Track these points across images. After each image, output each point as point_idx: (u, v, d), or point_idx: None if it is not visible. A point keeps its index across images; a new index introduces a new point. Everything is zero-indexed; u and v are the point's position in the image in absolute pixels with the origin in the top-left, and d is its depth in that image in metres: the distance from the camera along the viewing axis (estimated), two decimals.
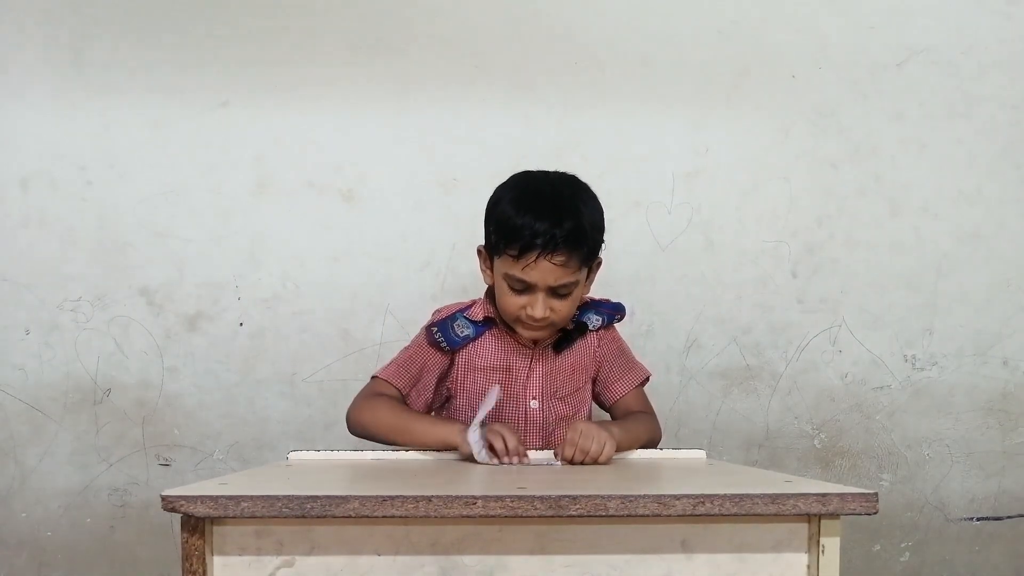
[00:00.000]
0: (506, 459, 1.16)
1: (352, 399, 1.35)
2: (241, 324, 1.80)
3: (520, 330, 1.33)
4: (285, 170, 1.80)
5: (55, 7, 1.77)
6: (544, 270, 1.23)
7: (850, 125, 1.84)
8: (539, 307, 1.26)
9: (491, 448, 1.17)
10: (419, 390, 1.36)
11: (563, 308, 1.29)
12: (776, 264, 1.84)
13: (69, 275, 1.78)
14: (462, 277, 1.79)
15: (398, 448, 1.27)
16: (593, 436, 1.17)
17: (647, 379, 1.44)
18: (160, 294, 1.79)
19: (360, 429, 1.31)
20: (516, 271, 1.25)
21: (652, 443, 1.36)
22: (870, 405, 1.85)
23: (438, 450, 1.23)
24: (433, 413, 1.43)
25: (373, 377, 1.37)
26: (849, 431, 1.85)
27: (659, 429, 1.39)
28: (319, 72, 1.80)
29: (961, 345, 1.85)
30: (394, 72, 1.81)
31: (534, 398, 1.37)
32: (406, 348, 1.40)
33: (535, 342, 1.36)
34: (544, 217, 1.22)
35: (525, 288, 1.26)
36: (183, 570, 0.82)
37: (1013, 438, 1.87)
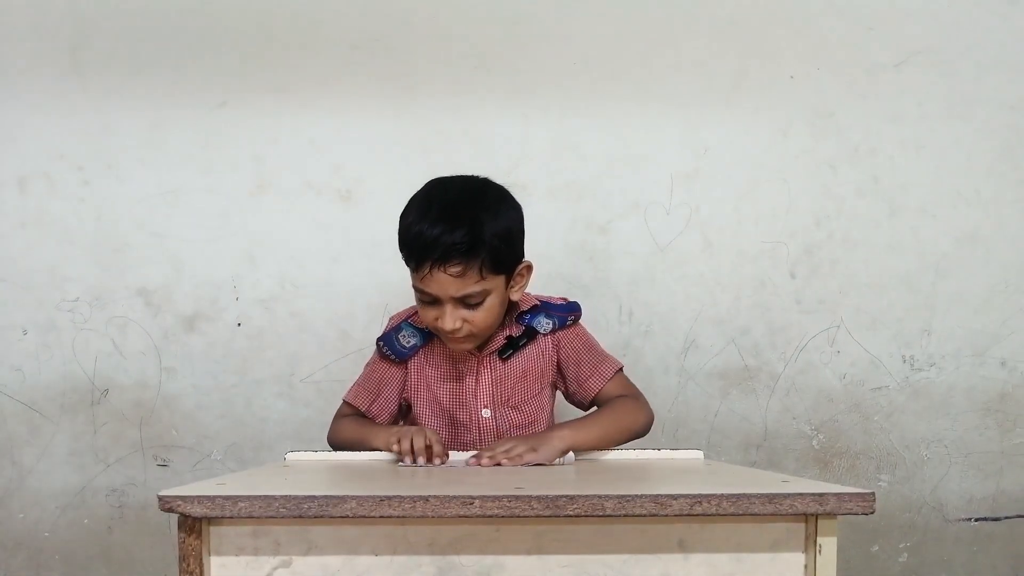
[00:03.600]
0: (408, 459, 1.16)
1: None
2: (239, 324, 1.80)
3: (446, 342, 1.31)
4: (283, 170, 1.80)
5: (53, 7, 1.77)
6: (441, 281, 1.20)
7: (848, 126, 1.84)
8: (447, 319, 1.23)
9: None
10: (380, 404, 1.38)
11: (478, 318, 1.25)
12: (774, 265, 1.84)
13: (67, 275, 1.78)
14: None
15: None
16: (512, 444, 1.16)
17: (620, 369, 1.40)
18: (158, 294, 1.79)
19: (336, 449, 1.37)
20: (417, 282, 1.23)
21: (638, 425, 1.31)
22: (868, 406, 1.85)
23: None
24: (401, 422, 1.44)
25: (343, 400, 1.42)
26: (847, 432, 1.85)
27: (645, 409, 1.35)
28: (318, 72, 1.80)
29: (959, 346, 1.86)
30: (393, 72, 1.81)
31: (485, 407, 1.35)
32: (367, 364, 1.43)
33: (479, 348, 1.34)
34: (436, 225, 1.19)
35: (432, 300, 1.24)
36: (180, 570, 0.82)
37: (1011, 439, 1.87)
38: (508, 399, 1.35)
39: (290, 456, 1.26)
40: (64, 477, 1.79)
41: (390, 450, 1.22)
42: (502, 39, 1.81)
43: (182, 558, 0.82)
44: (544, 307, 1.38)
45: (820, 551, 0.85)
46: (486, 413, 1.35)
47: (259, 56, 1.79)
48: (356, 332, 1.81)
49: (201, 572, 0.83)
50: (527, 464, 1.14)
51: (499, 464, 1.14)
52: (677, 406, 1.83)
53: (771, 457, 1.84)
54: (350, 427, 1.36)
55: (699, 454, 1.30)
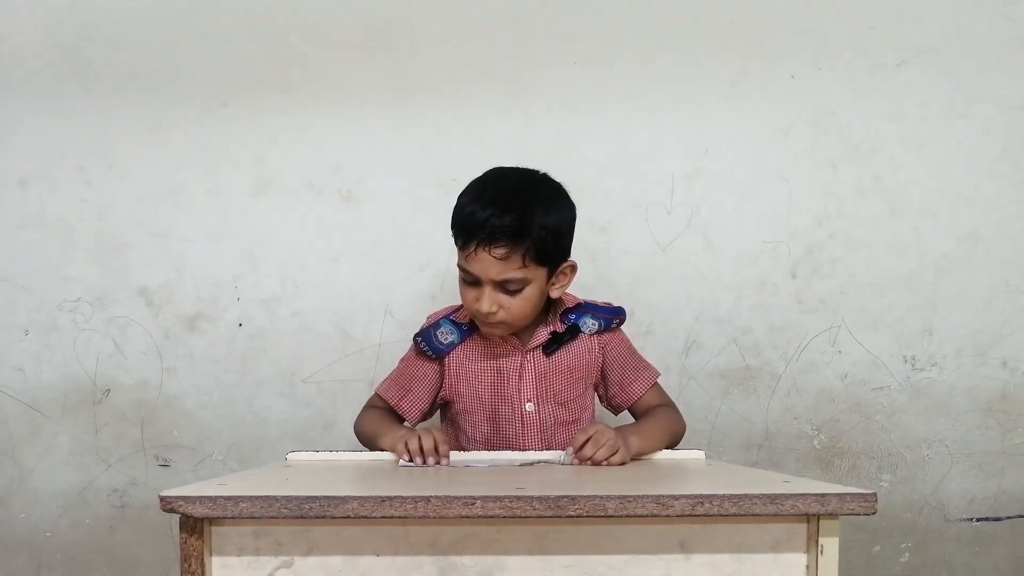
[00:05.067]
0: (418, 459, 1.17)
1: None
2: (240, 325, 1.80)
3: (480, 326, 1.34)
4: (284, 170, 1.80)
5: (55, 7, 1.77)
6: (484, 261, 1.23)
7: (849, 125, 1.84)
8: (484, 300, 1.26)
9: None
10: (411, 400, 1.39)
11: (514, 306, 1.27)
12: (775, 265, 1.84)
13: (68, 275, 1.78)
14: None
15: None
16: (602, 442, 1.17)
17: (658, 376, 1.45)
18: (159, 295, 1.79)
19: (357, 437, 1.40)
20: (462, 261, 1.27)
21: (676, 435, 1.37)
22: (869, 406, 1.85)
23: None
24: (444, 420, 1.46)
25: (375, 392, 1.44)
26: (848, 432, 1.85)
27: (682, 420, 1.40)
28: (319, 72, 1.80)
29: (960, 346, 1.85)
30: (394, 72, 1.80)
31: (529, 401, 1.36)
32: (401, 359, 1.44)
33: (523, 342, 1.36)
34: (488, 207, 1.22)
35: (474, 281, 1.27)
36: (182, 571, 0.82)
37: (1012, 438, 1.87)
38: (555, 394, 1.37)
39: (291, 456, 1.26)
40: (65, 477, 1.79)
41: (395, 452, 1.22)
42: (502, 39, 1.81)
43: (183, 558, 0.82)
44: (589, 308, 1.40)
45: (822, 551, 0.85)
46: (529, 407, 1.36)
47: (260, 56, 1.79)
48: (357, 332, 1.81)
49: (202, 572, 0.83)
50: (611, 464, 1.16)
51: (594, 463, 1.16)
52: (678, 406, 1.82)
53: (772, 457, 1.84)
54: (370, 420, 1.37)
55: (700, 454, 1.30)
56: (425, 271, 1.81)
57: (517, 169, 1.34)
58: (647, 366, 1.44)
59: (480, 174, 1.34)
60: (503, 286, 1.25)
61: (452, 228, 1.29)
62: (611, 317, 1.41)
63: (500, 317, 1.28)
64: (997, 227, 1.85)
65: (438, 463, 1.17)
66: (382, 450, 1.27)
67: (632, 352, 1.45)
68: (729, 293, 1.84)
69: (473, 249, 1.23)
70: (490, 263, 1.23)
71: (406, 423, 1.39)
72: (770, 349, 1.84)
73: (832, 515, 0.84)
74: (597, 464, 1.16)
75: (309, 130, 1.80)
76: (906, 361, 1.85)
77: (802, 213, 1.84)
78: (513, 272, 1.24)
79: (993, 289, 1.85)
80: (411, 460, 1.18)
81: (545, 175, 1.33)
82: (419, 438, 1.18)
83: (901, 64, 1.84)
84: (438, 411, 1.47)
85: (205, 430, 1.80)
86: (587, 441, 1.17)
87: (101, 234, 1.79)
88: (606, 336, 1.41)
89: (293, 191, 1.80)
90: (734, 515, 0.82)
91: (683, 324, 1.83)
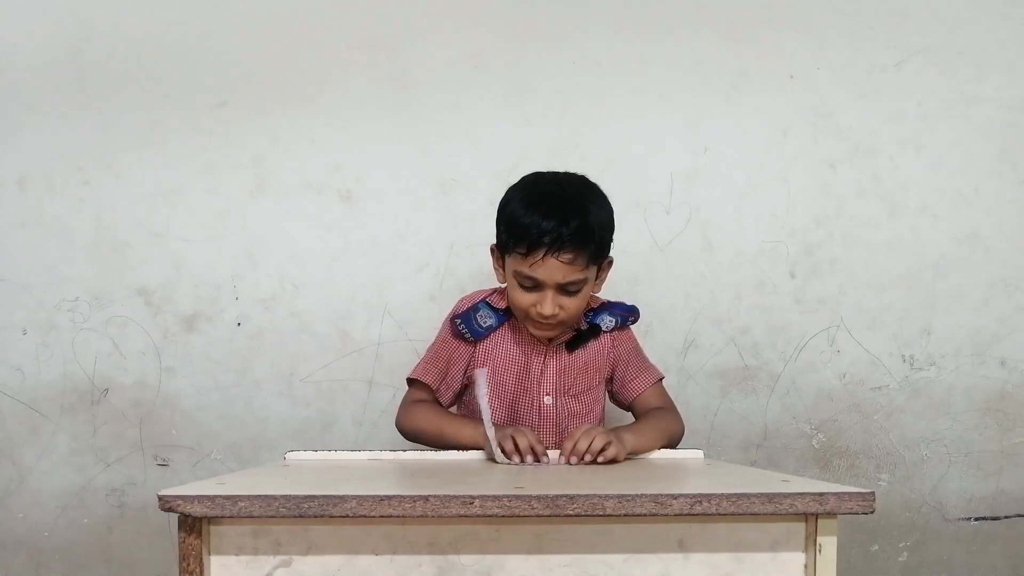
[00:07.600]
0: (515, 458, 1.16)
1: (397, 407, 1.41)
2: (239, 324, 1.80)
3: (531, 328, 1.36)
4: (283, 170, 1.80)
5: (54, 6, 1.77)
6: (552, 267, 1.26)
7: (848, 125, 1.84)
8: (548, 304, 1.29)
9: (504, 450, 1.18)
10: (448, 383, 1.40)
11: (572, 305, 1.31)
12: (774, 264, 1.84)
13: (66, 275, 1.78)
14: (460, 277, 1.79)
15: (402, 448, 1.29)
16: (593, 435, 1.17)
17: (662, 379, 1.46)
18: (158, 294, 1.79)
19: (407, 436, 1.38)
20: (525, 268, 1.28)
21: (674, 437, 1.37)
22: (868, 405, 1.85)
23: (470, 449, 1.26)
24: (458, 403, 1.46)
25: (408, 379, 1.41)
26: (847, 431, 1.85)
27: (680, 423, 1.41)
28: (317, 72, 1.80)
29: (959, 345, 1.85)
30: (393, 72, 1.81)
31: (548, 394, 1.39)
32: (433, 343, 1.44)
33: (549, 339, 1.38)
34: (551, 216, 1.25)
35: (535, 285, 1.29)
36: (180, 570, 0.82)
37: (1011, 438, 1.87)
38: (569, 388, 1.40)
39: (290, 456, 1.25)
40: (64, 477, 1.79)
41: (500, 448, 1.20)
42: (501, 39, 1.81)
43: (182, 558, 0.82)
44: (607, 306, 1.43)
45: (820, 550, 0.85)
46: (547, 400, 1.38)
47: (259, 56, 1.79)
48: (356, 332, 1.81)
49: (201, 572, 0.82)
50: (607, 461, 1.15)
51: (592, 461, 1.16)
52: (677, 405, 1.82)
53: (771, 456, 1.84)
54: (427, 416, 1.35)
55: (699, 454, 1.30)
56: (424, 271, 1.81)
57: (558, 174, 1.36)
58: (650, 367, 1.46)
59: (517, 182, 1.34)
60: (564, 288, 1.28)
61: (511, 238, 1.29)
62: (627, 315, 1.44)
63: (560, 318, 1.30)
64: (996, 227, 1.85)
65: (536, 460, 1.17)
66: (445, 445, 1.27)
67: (638, 351, 1.47)
68: (728, 293, 1.84)
69: (541, 257, 1.25)
70: (557, 268, 1.26)
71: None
72: (769, 349, 1.84)
73: (830, 514, 0.84)
74: (593, 456, 1.15)
75: (308, 130, 1.80)
76: (905, 361, 1.85)
77: (801, 213, 1.84)
78: (577, 274, 1.27)
79: (992, 289, 1.85)
80: (511, 460, 1.17)
81: (584, 176, 1.36)
82: (512, 438, 1.17)
83: (900, 64, 1.85)
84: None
85: (204, 430, 1.80)
86: (575, 444, 1.16)
87: (100, 234, 1.79)
88: (616, 333, 1.44)
89: (292, 191, 1.80)
90: (732, 514, 0.82)
91: (682, 324, 1.83)
